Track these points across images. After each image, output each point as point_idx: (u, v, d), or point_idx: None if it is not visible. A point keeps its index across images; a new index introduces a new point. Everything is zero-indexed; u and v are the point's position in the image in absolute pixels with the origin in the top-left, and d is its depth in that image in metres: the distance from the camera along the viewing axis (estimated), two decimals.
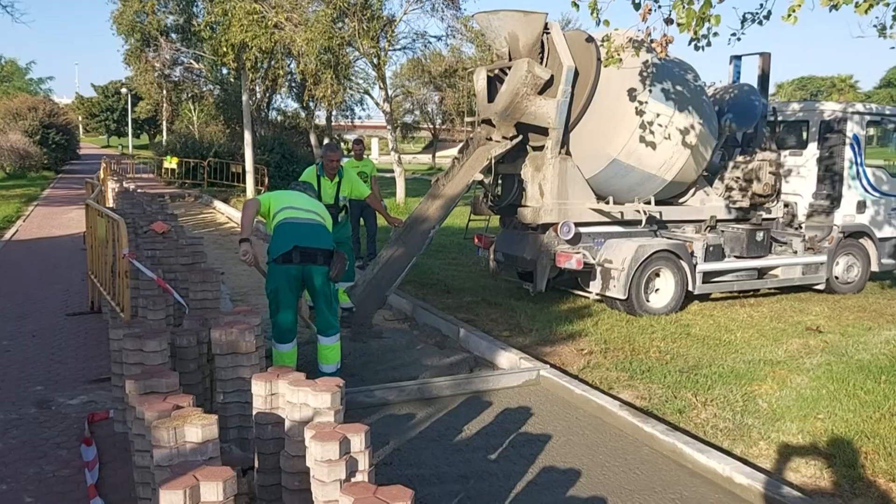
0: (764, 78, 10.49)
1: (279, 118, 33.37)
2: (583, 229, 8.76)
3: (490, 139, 8.80)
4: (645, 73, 8.59)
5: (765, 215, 10.05)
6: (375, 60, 17.95)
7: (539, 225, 8.73)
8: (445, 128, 47.99)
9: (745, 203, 9.77)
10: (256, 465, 3.19)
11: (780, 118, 10.50)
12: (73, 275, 9.98)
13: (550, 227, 8.66)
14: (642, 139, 8.64)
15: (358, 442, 2.48)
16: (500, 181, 9.26)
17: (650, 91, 8.58)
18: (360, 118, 29.45)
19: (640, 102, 8.53)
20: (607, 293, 8.60)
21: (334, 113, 24.54)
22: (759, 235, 9.68)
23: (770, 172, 9.71)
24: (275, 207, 5.50)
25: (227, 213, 19.17)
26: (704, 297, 9.45)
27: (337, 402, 2.77)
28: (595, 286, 8.76)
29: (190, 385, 3.89)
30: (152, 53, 29.74)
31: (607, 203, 8.77)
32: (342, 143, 44.24)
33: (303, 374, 3.08)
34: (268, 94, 28.50)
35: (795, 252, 9.97)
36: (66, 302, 8.35)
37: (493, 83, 9.04)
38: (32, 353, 6.40)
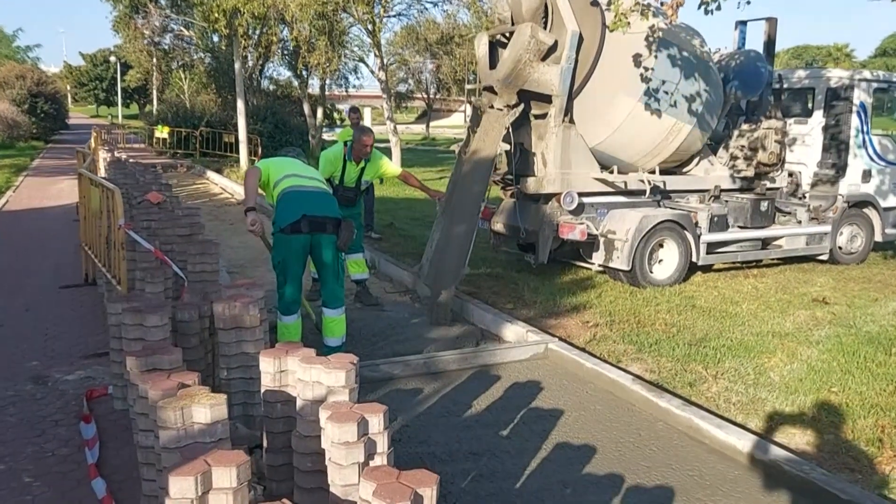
0: (770, 44, 10.30)
1: (271, 87, 32.93)
2: (585, 199, 8.60)
3: (493, 107, 8.59)
4: (651, 39, 8.37)
5: (769, 185, 9.92)
6: (370, 27, 17.59)
7: (541, 195, 8.58)
8: (440, 97, 47.49)
9: (750, 172, 9.63)
10: (265, 444, 3.06)
11: (785, 85, 10.32)
12: (65, 246, 9.79)
13: (553, 197, 8.51)
14: (648, 107, 8.46)
15: (376, 423, 2.35)
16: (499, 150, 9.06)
17: (656, 57, 8.37)
18: (354, 87, 29.08)
19: (646, 69, 8.33)
20: (610, 264, 8.47)
21: (328, 82, 24.11)
22: (764, 205, 9.55)
23: (776, 141, 9.55)
24: (275, 176, 5.33)
25: (220, 184, 18.91)
26: (707, 269, 9.35)
27: (351, 380, 2.64)
28: (598, 257, 8.64)
29: (192, 361, 3.75)
30: (141, 20, 29.28)
31: (612, 173, 8.61)
32: (335, 113, 43.78)
33: (313, 351, 2.94)
34: (260, 63, 28.06)
35: (800, 222, 9.86)
36: (59, 274, 8.17)
37: (495, 49, 8.81)
38: (26, 327, 6.24)
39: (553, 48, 8.18)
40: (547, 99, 8.33)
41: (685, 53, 8.65)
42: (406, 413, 4.42)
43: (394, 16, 20.91)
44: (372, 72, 19.43)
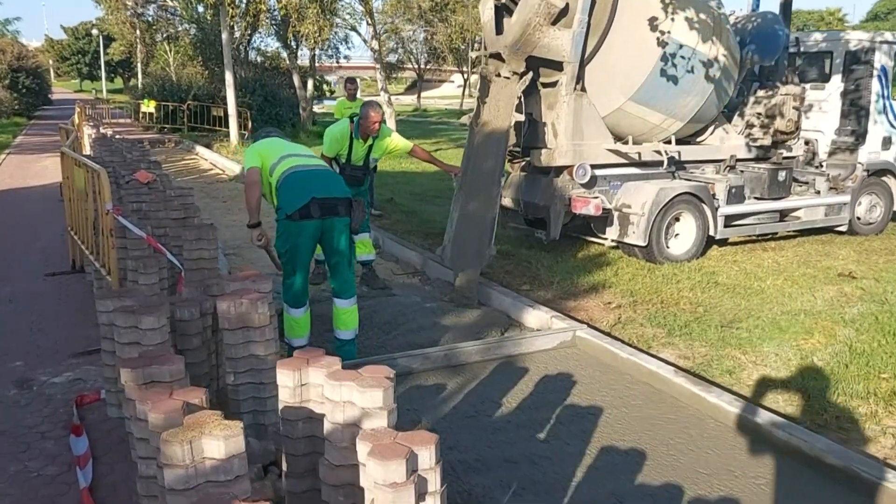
0: (787, 6, 9.86)
1: (259, 59, 32.10)
2: (597, 172, 8.19)
3: (499, 75, 8.11)
4: (667, 0, 7.91)
5: (785, 154, 9.51)
6: None
7: (552, 168, 8.15)
8: (431, 67, 46.67)
9: (767, 141, 9.20)
10: (284, 467, 2.66)
11: (801, 49, 9.87)
12: (50, 229, 9.27)
13: (564, 170, 8.09)
14: (664, 73, 8.00)
15: (427, 457, 1.95)
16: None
17: (673, 20, 7.91)
18: (345, 58, 28.32)
19: (663, 32, 7.87)
20: (625, 240, 8.07)
21: (318, 52, 23.39)
22: (782, 175, 9.14)
23: (793, 108, 9.11)
24: (270, 160, 4.84)
25: (210, 159, 18.33)
26: (723, 242, 8.97)
27: (390, 401, 2.23)
28: (612, 232, 8.23)
29: (194, 364, 3.34)
30: None
31: (626, 143, 8.17)
32: (325, 85, 42.95)
33: (337, 360, 2.53)
34: (247, 33, 27.26)
35: (818, 192, 9.47)
36: (44, 261, 7.66)
37: (501, 14, 8.31)
38: (9, 321, 5.74)
39: (564, 11, 7.69)
40: (557, 66, 7.87)
41: (702, 16, 8.17)
42: (430, 414, 4.02)
43: None
44: (364, 41, 18.83)
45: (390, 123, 17.90)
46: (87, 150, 11.54)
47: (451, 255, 7.14)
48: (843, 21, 67.80)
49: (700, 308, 6.30)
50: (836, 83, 9.61)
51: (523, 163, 8.60)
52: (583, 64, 7.94)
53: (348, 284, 4.85)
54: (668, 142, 8.43)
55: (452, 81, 72.52)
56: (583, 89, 8.06)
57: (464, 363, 4.66)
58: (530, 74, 7.90)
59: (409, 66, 46.51)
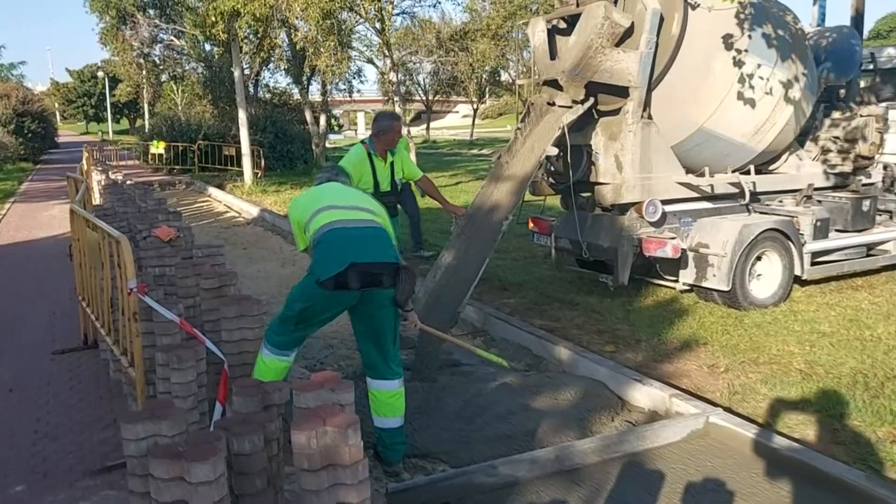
0: (858, 19, 9.02)
1: (267, 96, 31.49)
2: (666, 207, 7.30)
3: (553, 104, 7.25)
4: (742, 16, 7.09)
5: (864, 180, 8.61)
6: (379, 25, 16.25)
7: (615, 205, 7.26)
8: (438, 98, 46.16)
9: (848, 167, 8.30)
10: None
11: (878, 66, 9.03)
12: (59, 291, 8.28)
13: (631, 206, 7.20)
14: (740, 96, 7.16)
15: None
16: (561, 154, 7.68)
17: (750, 37, 7.07)
18: (358, 91, 27.66)
19: (738, 51, 7.03)
20: (704, 284, 7.13)
21: (330, 87, 22.73)
22: (866, 205, 8.23)
23: (877, 130, 8.23)
24: (306, 214, 3.98)
25: (224, 201, 17.50)
26: (804, 282, 7.96)
27: None
28: (687, 275, 7.29)
29: None
30: (129, 31, 27.93)
31: (702, 175, 7.28)
32: (333, 119, 42.41)
33: None
34: (256, 71, 26.66)
35: None
36: (51, 331, 6.71)
37: (553, 37, 7.49)
38: (10, 421, 4.69)
39: (629, 32, 6.88)
40: (621, 92, 7.03)
41: (780, 32, 7.34)
42: None
43: (399, 14, 19.57)
44: (382, 73, 18.11)
45: (412, 157, 17.11)
46: (97, 199, 10.74)
47: (422, 310, 5.76)
48: None
49: (821, 368, 5.35)
50: None
51: (580, 200, 7.67)
52: (649, 89, 7.10)
53: (395, 361, 3.93)
54: (747, 172, 7.55)
55: (457, 112, 72.23)
56: (649, 117, 7.21)
57: (579, 465, 3.71)
58: (589, 103, 7.06)
59: (417, 97, 45.95)
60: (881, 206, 8.71)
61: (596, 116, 7.38)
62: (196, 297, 4.52)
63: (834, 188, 8.44)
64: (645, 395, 4.56)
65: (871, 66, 9.02)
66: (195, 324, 4.26)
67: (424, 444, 4.01)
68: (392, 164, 5.93)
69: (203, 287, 4.29)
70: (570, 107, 6.96)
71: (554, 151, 6.70)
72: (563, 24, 7.47)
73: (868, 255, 8.32)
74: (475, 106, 46.70)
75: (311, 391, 2.60)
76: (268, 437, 2.53)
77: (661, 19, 6.93)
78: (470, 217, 6.45)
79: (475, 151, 37.32)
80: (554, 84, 7.15)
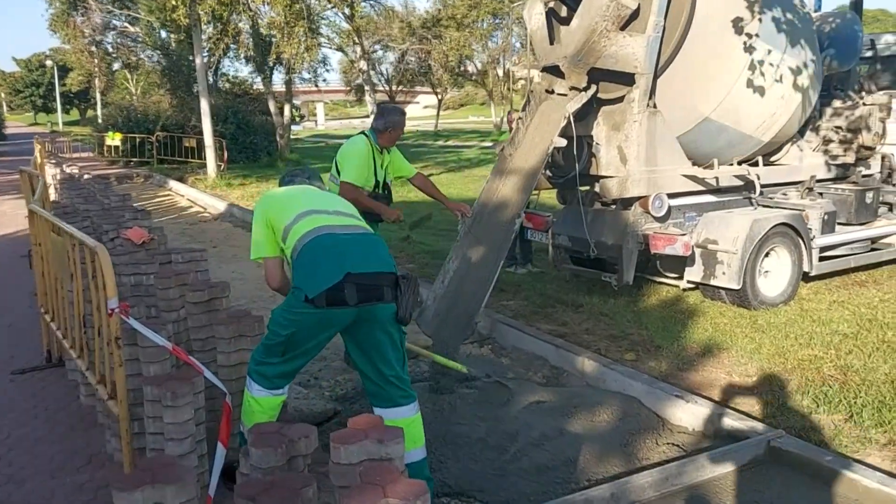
0: (857, 5, 8.73)
1: (226, 85, 30.47)
2: (671, 202, 6.92)
3: (551, 91, 6.81)
4: None
5: (864, 171, 8.35)
6: (348, 11, 15.61)
7: (618, 200, 6.85)
8: (402, 89, 45.44)
9: (850, 158, 8.02)
10: None
11: (877, 53, 8.76)
12: (16, 298, 7.50)
13: (636, 201, 6.79)
14: (750, 83, 6.79)
15: None
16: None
17: (760, 21, 6.70)
18: (324, 80, 26.90)
19: (749, 36, 6.65)
20: (712, 281, 6.76)
21: (294, 76, 21.94)
22: (869, 197, 7.95)
23: (880, 119, 7.96)
24: (285, 216, 3.38)
25: (188, 196, 16.69)
26: (810, 279, 7.65)
27: None
28: (693, 273, 6.91)
29: None
30: (81, 18, 26.74)
31: (711, 167, 6.90)
32: (294, 110, 41.40)
33: None
34: (216, 59, 25.70)
35: None
36: (10, 345, 5.96)
37: (551, 20, 7.04)
38: None
39: (634, 14, 6.44)
40: (626, 79, 6.60)
41: (789, 16, 6.98)
42: None
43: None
44: (352, 62, 17.47)
45: None
46: (53, 196, 9.96)
47: (433, 319, 5.52)
48: None
49: (855, 375, 5.00)
50: None
51: (579, 194, 7.25)
52: (656, 76, 6.69)
53: (405, 384, 3.37)
54: (755, 164, 7.21)
55: (418, 103, 71.36)
56: (654, 105, 6.80)
57: (636, 501, 3.25)
58: (591, 90, 6.62)
59: (381, 88, 45.14)
60: (881, 198, 8.46)
61: (596, 105, 6.94)
62: (180, 310, 3.94)
63: (834, 180, 8.16)
64: (688, 413, 4.12)
65: (870, 54, 8.74)
66: (180, 342, 3.71)
67: (454, 480, 3.51)
68: (386, 161, 5.40)
69: (190, 300, 3.72)
70: (567, 94, 6.53)
71: (563, 143, 6.26)
72: (560, 7, 7.04)
73: (872, 250, 8.06)
74: (440, 97, 46.03)
75: (354, 443, 2.08)
76: (304, 500, 2.02)
77: (669, 1, 6.51)
78: (476, 215, 5.97)
79: (441, 143, 36.72)
80: (553, 70, 6.71)
